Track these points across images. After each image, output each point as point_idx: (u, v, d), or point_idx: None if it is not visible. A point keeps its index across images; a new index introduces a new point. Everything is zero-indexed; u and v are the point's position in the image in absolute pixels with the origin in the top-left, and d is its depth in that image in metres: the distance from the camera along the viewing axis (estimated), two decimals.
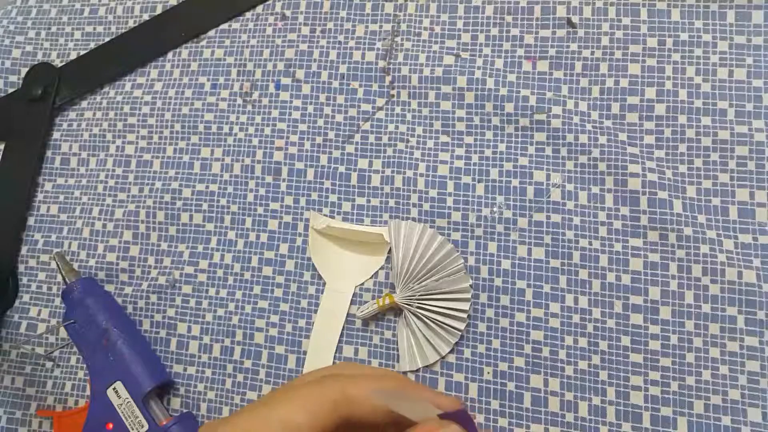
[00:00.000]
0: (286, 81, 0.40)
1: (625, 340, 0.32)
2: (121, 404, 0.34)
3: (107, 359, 0.35)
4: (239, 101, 0.40)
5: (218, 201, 0.39)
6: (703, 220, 0.33)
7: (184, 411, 0.36)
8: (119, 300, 0.38)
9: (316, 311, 0.36)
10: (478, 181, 0.36)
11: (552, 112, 0.35)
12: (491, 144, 0.36)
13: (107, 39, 0.43)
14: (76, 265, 0.39)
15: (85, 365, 0.37)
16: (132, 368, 0.34)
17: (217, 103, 0.40)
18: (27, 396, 0.38)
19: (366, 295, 0.36)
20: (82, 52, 0.44)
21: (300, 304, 0.36)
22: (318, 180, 0.38)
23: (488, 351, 0.34)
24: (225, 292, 0.37)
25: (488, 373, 0.33)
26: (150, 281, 0.38)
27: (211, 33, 0.42)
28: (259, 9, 0.41)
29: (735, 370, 0.31)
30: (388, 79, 0.38)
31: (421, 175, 0.36)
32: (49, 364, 0.38)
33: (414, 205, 0.36)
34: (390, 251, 0.35)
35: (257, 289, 0.37)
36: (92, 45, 0.44)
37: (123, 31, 0.43)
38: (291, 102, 0.39)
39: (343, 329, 0.35)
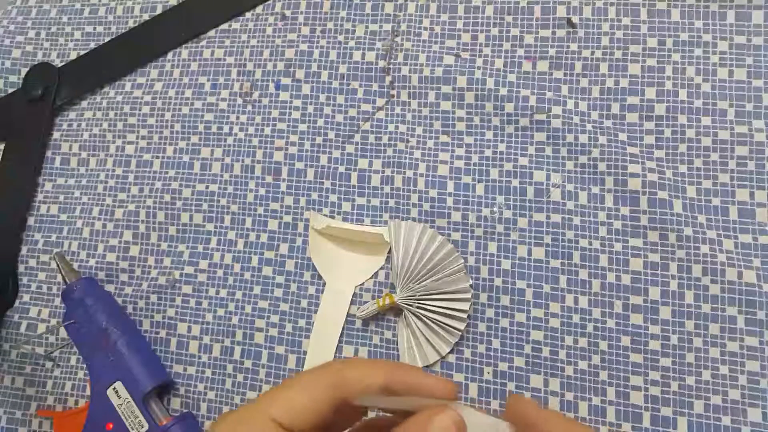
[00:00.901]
0: (286, 81, 0.40)
1: (625, 340, 0.32)
2: (121, 404, 0.34)
3: (107, 359, 0.35)
4: (239, 101, 0.40)
5: (218, 201, 0.39)
6: (703, 220, 0.33)
7: (184, 411, 0.36)
8: (119, 300, 0.38)
9: (316, 311, 0.36)
10: (478, 181, 0.36)
11: (552, 112, 0.35)
12: (491, 144, 0.36)
13: (107, 39, 0.43)
14: (76, 265, 0.39)
15: (85, 365, 0.37)
16: (132, 368, 0.34)
17: (217, 103, 0.40)
18: (27, 396, 0.38)
19: (366, 295, 0.36)
20: (82, 52, 0.44)
21: (300, 304, 0.36)
22: (318, 180, 0.38)
23: (488, 351, 0.34)
24: (225, 292, 0.37)
25: (488, 373, 0.33)
26: (150, 281, 0.38)
27: (211, 33, 0.42)
28: (259, 9, 0.41)
29: (735, 370, 0.31)
30: (388, 79, 0.38)
31: (421, 175, 0.36)
32: (49, 364, 0.38)
33: (414, 205, 0.36)
34: (390, 251, 0.35)
35: (257, 289, 0.37)
36: (92, 45, 0.44)
37: (123, 31, 0.43)
38: (291, 102, 0.39)
39: (343, 329, 0.35)
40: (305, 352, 0.35)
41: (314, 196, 0.38)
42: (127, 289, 0.39)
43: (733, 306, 0.32)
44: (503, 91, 0.36)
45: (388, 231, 0.36)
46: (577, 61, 0.36)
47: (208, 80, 0.41)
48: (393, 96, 0.38)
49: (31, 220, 0.41)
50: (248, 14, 0.41)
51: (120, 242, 0.39)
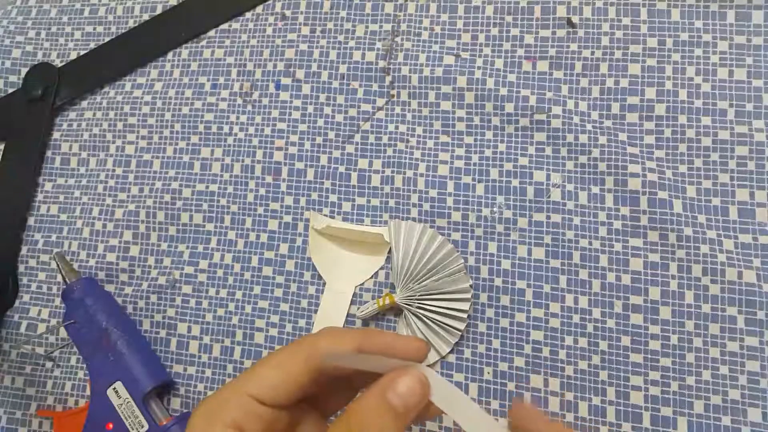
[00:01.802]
0: (286, 81, 0.40)
1: (625, 340, 0.32)
2: (121, 404, 0.34)
3: (107, 359, 0.35)
4: (239, 101, 0.40)
5: (218, 201, 0.39)
6: (703, 220, 0.33)
7: (184, 411, 0.36)
8: (119, 300, 0.38)
9: (316, 311, 0.36)
10: (478, 181, 0.36)
11: (552, 112, 0.35)
12: (491, 144, 0.36)
13: (107, 39, 0.43)
14: (76, 265, 0.39)
15: (85, 365, 0.37)
16: (132, 368, 0.34)
17: (217, 103, 0.40)
18: (27, 396, 0.38)
19: (366, 295, 0.36)
20: (82, 52, 0.44)
21: (300, 304, 0.36)
22: (318, 180, 0.38)
23: (488, 351, 0.34)
24: (225, 292, 0.37)
25: (488, 373, 0.33)
26: (150, 281, 0.38)
27: (211, 33, 0.42)
28: (259, 9, 0.41)
29: (735, 370, 0.31)
30: (388, 79, 0.38)
31: (421, 175, 0.36)
32: (49, 364, 0.38)
33: (414, 205, 0.36)
34: (390, 251, 0.35)
35: (257, 289, 0.37)
36: (92, 45, 0.44)
37: (123, 31, 0.43)
38: (291, 102, 0.39)
39: None
40: None
41: (314, 196, 0.38)
42: (127, 289, 0.39)
43: (733, 306, 0.32)
44: (503, 91, 0.36)
45: (388, 231, 0.36)
46: (577, 61, 0.36)
47: (208, 80, 0.41)
48: (393, 96, 0.38)
49: (31, 220, 0.41)
50: (248, 14, 0.41)
51: (120, 242, 0.39)
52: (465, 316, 0.34)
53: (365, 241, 0.37)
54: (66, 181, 0.42)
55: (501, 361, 0.33)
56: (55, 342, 0.38)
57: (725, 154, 0.34)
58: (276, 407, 0.22)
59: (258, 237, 0.38)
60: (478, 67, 0.37)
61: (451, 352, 0.34)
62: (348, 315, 0.35)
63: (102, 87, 0.43)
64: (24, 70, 0.44)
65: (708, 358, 0.31)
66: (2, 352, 0.39)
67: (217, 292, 0.37)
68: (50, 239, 0.40)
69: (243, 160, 0.39)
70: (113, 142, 0.41)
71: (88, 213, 0.40)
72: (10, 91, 0.44)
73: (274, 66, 0.40)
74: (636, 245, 0.33)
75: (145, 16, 0.43)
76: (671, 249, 0.33)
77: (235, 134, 0.40)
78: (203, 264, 0.38)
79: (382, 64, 0.39)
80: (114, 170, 0.41)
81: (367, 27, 0.39)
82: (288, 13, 0.41)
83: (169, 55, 0.42)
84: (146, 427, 0.33)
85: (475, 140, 0.36)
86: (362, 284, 0.36)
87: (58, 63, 0.44)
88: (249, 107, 0.40)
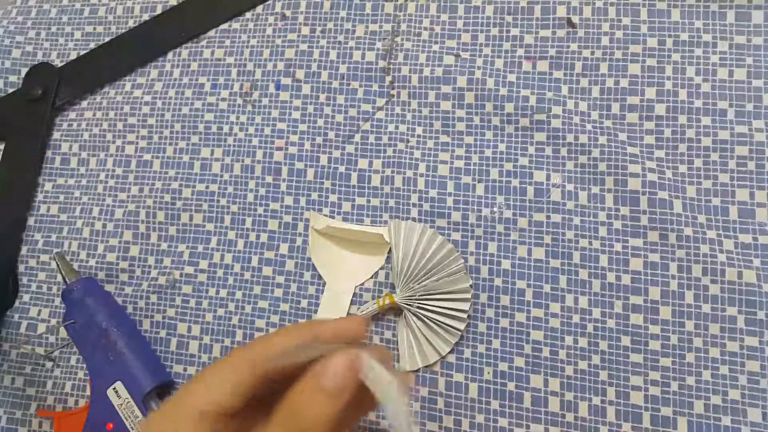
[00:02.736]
0: (286, 81, 0.40)
1: (625, 340, 0.32)
2: (121, 404, 0.34)
3: (107, 359, 0.35)
4: (239, 101, 0.40)
5: (218, 201, 0.39)
6: (703, 220, 0.33)
7: None
8: (119, 300, 0.38)
9: (316, 311, 0.36)
10: (478, 181, 0.36)
11: (552, 112, 0.35)
12: (491, 144, 0.36)
13: (107, 39, 0.43)
14: (76, 265, 0.39)
15: (85, 365, 0.37)
16: (132, 368, 0.34)
17: (217, 103, 0.40)
18: (27, 396, 0.38)
19: (366, 295, 0.36)
20: (82, 52, 0.44)
21: (300, 304, 0.36)
22: (318, 180, 0.38)
23: (488, 351, 0.34)
24: (225, 292, 0.37)
25: (488, 373, 0.33)
26: (150, 281, 0.38)
27: (211, 33, 0.42)
28: (259, 9, 0.41)
29: (735, 370, 0.31)
30: (388, 79, 0.38)
31: (421, 175, 0.36)
32: (49, 364, 0.38)
33: (414, 205, 0.36)
34: (390, 251, 0.35)
35: (257, 289, 0.37)
36: (92, 45, 0.44)
37: (123, 31, 0.43)
38: (291, 102, 0.39)
39: None
40: None
41: (314, 196, 0.38)
42: (127, 289, 0.39)
43: (733, 306, 0.32)
44: (503, 91, 0.36)
45: (388, 231, 0.36)
46: (577, 61, 0.36)
47: (208, 80, 0.41)
48: (393, 96, 0.38)
49: (31, 220, 0.41)
50: (248, 14, 0.41)
51: (120, 242, 0.39)
52: (465, 316, 0.34)
53: (365, 241, 0.37)
54: (66, 181, 0.42)
55: (501, 361, 0.33)
56: (55, 342, 0.38)
57: (725, 154, 0.34)
58: (225, 416, 0.22)
59: (258, 237, 0.38)
60: (478, 67, 0.37)
61: (451, 352, 0.34)
62: (348, 315, 0.35)
63: (102, 87, 0.43)
64: (24, 70, 0.44)
65: (708, 358, 0.31)
66: (2, 352, 0.39)
67: (217, 292, 0.37)
68: (50, 239, 0.40)
69: (243, 160, 0.39)
70: (113, 142, 0.41)
71: (88, 213, 0.40)
72: (10, 91, 0.44)
73: (274, 66, 0.40)
74: (636, 245, 0.33)
75: (145, 16, 0.43)
76: (671, 249, 0.33)
77: (235, 134, 0.40)
78: (203, 264, 0.38)
79: (382, 64, 0.39)
80: (114, 170, 0.41)
81: (367, 27, 0.39)
82: (288, 13, 0.41)
83: (169, 55, 0.42)
84: None
85: (475, 140, 0.36)
86: (362, 284, 0.36)
87: (58, 63, 0.44)
88: (249, 107, 0.40)
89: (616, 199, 0.34)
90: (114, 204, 0.40)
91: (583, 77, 0.36)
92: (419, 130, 0.37)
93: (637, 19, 0.36)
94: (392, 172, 0.37)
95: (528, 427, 0.32)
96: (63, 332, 0.38)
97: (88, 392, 0.37)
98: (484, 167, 0.36)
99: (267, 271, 0.37)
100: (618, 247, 0.33)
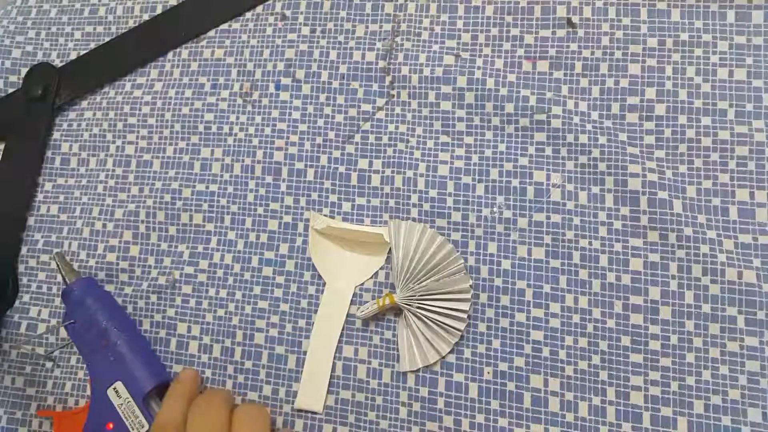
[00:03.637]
0: (286, 81, 0.40)
1: (625, 340, 0.32)
2: (122, 404, 0.34)
3: (107, 359, 0.35)
4: (239, 101, 0.40)
5: (218, 201, 0.39)
6: (703, 220, 0.33)
7: None
8: (119, 300, 0.38)
9: (316, 311, 0.36)
10: (478, 181, 0.36)
11: (552, 112, 0.35)
12: (491, 144, 0.36)
13: (107, 39, 0.43)
14: (76, 265, 0.39)
15: (85, 365, 0.37)
16: (132, 368, 0.34)
17: (217, 103, 0.40)
18: (27, 396, 0.38)
19: (366, 295, 0.36)
20: (82, 52, 0.44)
21: (300, 304, 0.36)
22: (318, 180, 0.38)
23: (488, 351, 0.34)
24: (225, 293, 0.37)
25: (488, 373, 0.33)
26: (150, 281, 0.38)
27: (211, 33, 0.42)
28: (259, 9, 0.41)
29: (735, 370, 0.31)
30: (388, 79, 0.38)
31: (421, 175, 0.36)
32: (49, 364, 0.38)
33: (414, 205, 0.36)
34: (390, 251, 0.35)
35: (257, 290, 0.37)
36: (92, 45, 0.44)
37: (123, 31, 0.43)
38: (291, 102, 0.39)
39: (343, 329, 0.35)
40: (305, 353, 0.35)
41: (314, 196, 0.38)
42: (127, 289, 0.39)
43: (733, 306, 0.32)
44: (503, 91, 0.36)
45: (388, 231, 0.36)
46: (577, 61, 0.36)
47: (208, 80, 0.41)
48: (393, 96, 0.38)
49: (31, 220, 0.41)
50: (248, 14, 0.41)
51: (120, 242, 0.39)
52: (465, 316, 0.34)
53: (365, 241, 0.37)
54: (66, 181, 0.42)
55: (501, 361, 0.33)
56: (55, 342, 0.38)
57: (725, 154, 0.34)
58: None
59: (258, 237, 0.38)
60: (478, 67, 0.37)
61: (451, 352, 0.34)
62: (348, 315, 0.35)
63: (102, 87, 0.43)
64: (24, 70, 0.44)
65: (708, 358, 0.31)
66: (2, 352, 0.39)
67: (217, 293, 0.37)
68: (50, 239, 0.40)
69: (243, 160, 0.39)
70: (113, 142, 0.41)
71: (88, 213, 0.40)
72: (10, 91, 0.44)
73: (274, 66, 0.40)
74: (636, 245, 0.33)
75: (145, 16, 0.43)
76: (671, 249, 0.33)
77: (235, 134, 0.40)
78: (203, 264, 0.38)
79: (382, 64, 0.39)
80: (114, 170, 0.41)
81: (367, 27, 0.39)
82: (288, 13, 0.41)
83: (169, 55, 0.42)
84: (147, 427, 0.33)
85: (475, 140, 0.36)
86: (362, 284, 0.36)
87: (58, 63, 0.44)
88: (249, 107, 0.40)
89: (616, 199, 0.34)
90: (114, 204, 0.40)
91: (583, 77, 0.36)
92: (419, 130, 0.37)
93: (637, 19, 0.36)
94: (392, 172, 0.37)
95: (528, 427, 0.32)
96: (63, 332, 0.38)
97: (88, 392, 0.37)
98: (484, 167, 0.36)
99: (267, 271, 0.37)
100: (618, 247, 0.33)
